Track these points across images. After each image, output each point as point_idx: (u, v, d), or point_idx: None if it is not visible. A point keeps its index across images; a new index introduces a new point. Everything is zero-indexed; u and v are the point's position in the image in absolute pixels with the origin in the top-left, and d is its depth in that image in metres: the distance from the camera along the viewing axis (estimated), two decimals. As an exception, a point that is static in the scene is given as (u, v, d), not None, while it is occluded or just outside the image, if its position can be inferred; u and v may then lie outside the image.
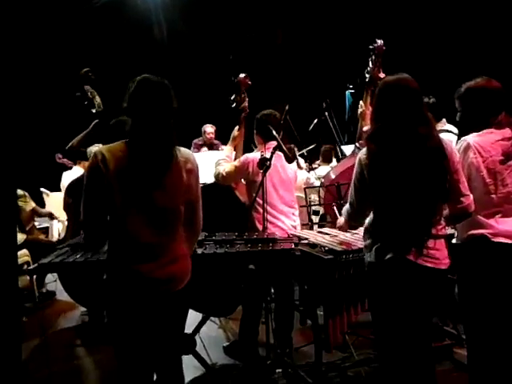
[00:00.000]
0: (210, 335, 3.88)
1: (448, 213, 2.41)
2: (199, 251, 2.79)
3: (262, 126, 3.59)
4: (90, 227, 2.14)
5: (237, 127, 3.74)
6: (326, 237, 3.26)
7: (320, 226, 4.04)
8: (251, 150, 3.92)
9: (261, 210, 3.32)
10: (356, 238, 3.17)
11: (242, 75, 3.75)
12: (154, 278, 2.11)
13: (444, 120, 4.01)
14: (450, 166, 2.30)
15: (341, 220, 2.81)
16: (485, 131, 2.58)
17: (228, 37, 8.09)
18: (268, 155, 3.33)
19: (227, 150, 3.76)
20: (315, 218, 5.06)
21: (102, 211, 2.10)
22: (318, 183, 5.10)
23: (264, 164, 3.29)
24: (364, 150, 2.32)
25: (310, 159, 6.26)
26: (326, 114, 5.82)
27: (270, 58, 8.47)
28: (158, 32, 7.76)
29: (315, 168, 6.34)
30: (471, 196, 2.40)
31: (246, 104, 3.72)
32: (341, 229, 2.82)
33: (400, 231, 2.28)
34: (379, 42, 3.81)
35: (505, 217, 2.59)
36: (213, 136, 7.05)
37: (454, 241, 2.70)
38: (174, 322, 2.27)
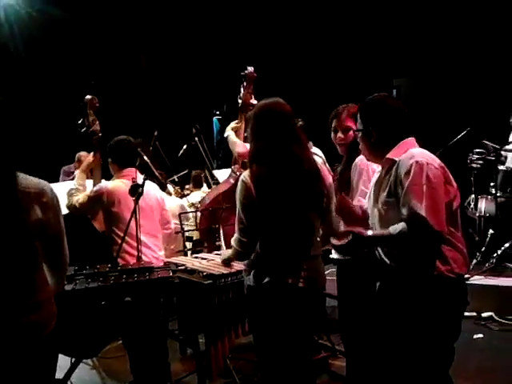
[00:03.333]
0: (82, 378, 3.59)
1: (322, 233, 2.48)
2: (69, 288, 2.57)
3: (116, 153, 3.41)
4: None
5: (91, 153, 3.55)
6: (203, 262, 3.23)
7: (196, 252, 3.99)
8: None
9: (119, 242, 3.12)
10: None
11: (88, 96, 3.56)
12: (13, 328, 1.87)
13: (311, 143, 4.24)
14: (324, 189, 2.39)
15: (226, 252, 2.63)
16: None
17: (90, 61, 7.79)
18: (140, 181, 3.21)
19: (80, 178, 3.52)
20: (189, 245, 4.99)
21: None
22: (191, 209, 5.06)
23: (136, 191, 3.16)
24: (246, 172, 2.35)
25: (181, 185, 6.20)
26: (197, 139, 5.85)
27: (135, 83, 8.32)
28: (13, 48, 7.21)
29: (187, 194, 6.30)
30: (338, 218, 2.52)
31: (97, 127, 3.51)
32: (225, 262, 2.64)
33: (280, 253, 2.32)
34: (250, 68, 3.92)
35: None
36: None
37: (334, 256, 2.83)
38: (41, 372, 2.02)
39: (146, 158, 3.33)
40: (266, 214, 2.29)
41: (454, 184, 2.18)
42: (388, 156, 2.21)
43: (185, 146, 6.79)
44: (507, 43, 7.95)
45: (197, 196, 5.87)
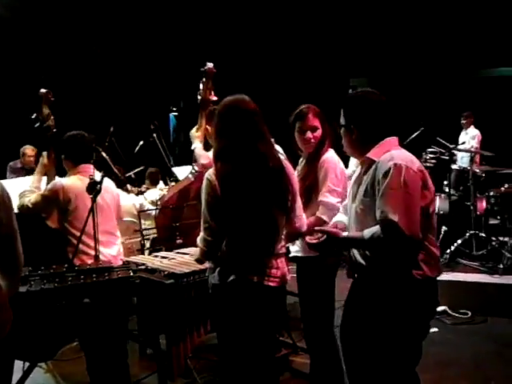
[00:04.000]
0: (37, 382, 3.45)
1: (285, 231, 2.46)
2: (23, 289, 2.45)
3: (70, 149, 3.29)
4: None
5: (45, 153, 3.40)
6: (164, 260, 3.17)
7: (156, 250, 3.90)
8: None
9: (75, 241, 3.02)
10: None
11: (43, 90, 3.43)
12: None
13: (273, 140, 4.22)
14: (289, 186, 2.38)
15: (195, 251, 2.56)
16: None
17: (43, 54, 7.52)
18: (98, 178, 3.11)
19: (36, 180, 3.38)
20: (147, 243, 4.89)
21: None
22: (150, 207, 4.95)
23: (94, 188, 3.06)
24: (211, 170, 2.31)
25: (139, 183, 6.07)
26: (155, 135, 5.72)
27: (90, 77, 8.10)
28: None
29: (144, 191, 6.17)
30: (304, 216, 2.53)
31: (51, 122, 3.39)
32: (198, 261, 2.55)
33: (245, 251, 2.30)
34: (209, 64, 3.85)
35: None
36: (33, 160, 6.41)
37: (296, 254, 2.83)
38: None
39: (103, 153, 3.22)
40: (231, 211, 2.26)
41: (432, 188, 2.16)
42: (368, 155, 2.18)
43: (141, 143, 6.64)
44: (459, 45, 8.24)
45: (154, 193, 5.76)
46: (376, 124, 2.21)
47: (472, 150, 5.58)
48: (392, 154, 2.11)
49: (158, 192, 5.79)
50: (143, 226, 4.49)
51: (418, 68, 8.60)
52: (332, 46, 8.94)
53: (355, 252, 2.23)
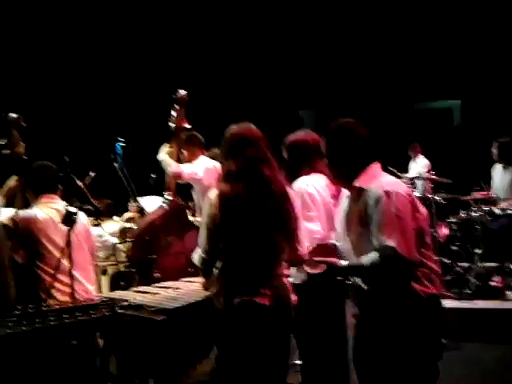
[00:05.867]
0: None
1: (286, 258, 2.45)
2: (1, 332, 2.18)
3: (32, 179, 3.14)
4: None
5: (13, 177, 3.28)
6: (147, 295, 2.96)
7: (120, 287, 3.66)
8: None
9: (47, 278, 2.84)
10: (180, 292, 2.96)
11: (13, 115, 3.38)
12: None
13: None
14: (291, 210, 2.39)
15: (178, 285, 2.57)
16: (313, 175, 2.74)
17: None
18: (73, 209, 2.88)
19: None
20: (104, 280, 4.59)
21: None
22: (112, 239, 4.69)
23: (70, 219, 2.84)
24: (214, 190, 2.33)
25: (97, 215, 5.76)
26: (116, 165, 5.48)
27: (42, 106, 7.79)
28: None
29: (98, 224, 5.85)
30: (307, 244, 2.50)
31: (21, 149, 3.32)
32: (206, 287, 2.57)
33: (247, 273, 2.29)
34: (182, 92, 3.83)
35: None
36: None
37: (291, 280, 2.75)
38: None
39: (79, 182, 3.00)
40: (232, 233, 2.28)
41: (422, 209, 2.22)
42: (356, 184, 2.23)
43: (92, 174, 6.35)
44: (399, 81, 8.68)
45: (110, 226, 5.48)
46: (363, 154, 2.27)
47: (433, 177, 5.76)
48: (381, 181, 2.19)
49: (116, 224, 5.52)
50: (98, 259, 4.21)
51: (363, 101, 8.92)
52: (281, 78, 9.12)
53: (356, 278, 2.24)
